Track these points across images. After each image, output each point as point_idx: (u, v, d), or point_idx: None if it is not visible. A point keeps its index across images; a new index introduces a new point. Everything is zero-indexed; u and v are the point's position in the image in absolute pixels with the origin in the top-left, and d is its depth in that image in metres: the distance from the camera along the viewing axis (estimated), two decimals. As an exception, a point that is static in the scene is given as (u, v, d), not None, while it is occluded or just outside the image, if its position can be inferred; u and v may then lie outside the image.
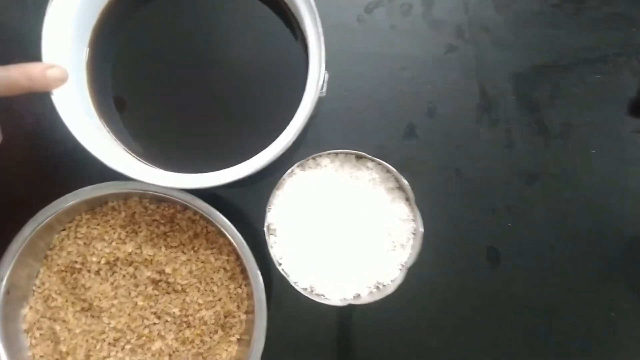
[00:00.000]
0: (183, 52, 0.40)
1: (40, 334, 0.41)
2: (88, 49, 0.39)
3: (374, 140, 0.48)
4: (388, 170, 0.41)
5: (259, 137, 0.38)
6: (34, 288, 0.41)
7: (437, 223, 0.46)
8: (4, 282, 0.38)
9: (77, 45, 0.38)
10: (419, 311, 0.47)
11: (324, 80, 0.37)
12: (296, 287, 0.39)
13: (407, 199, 0.42)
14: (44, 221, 0.38)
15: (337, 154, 0.41)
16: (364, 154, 0.41)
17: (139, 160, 0.39)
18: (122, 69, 0.40)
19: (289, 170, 0.40)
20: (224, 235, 0.40)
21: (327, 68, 0.36)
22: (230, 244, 0.40)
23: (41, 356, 0.41)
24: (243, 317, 0.42)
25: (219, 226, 0.39)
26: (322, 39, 0.36)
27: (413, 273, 0.40)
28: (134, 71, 0.41)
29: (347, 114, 0.48)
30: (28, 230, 0.38)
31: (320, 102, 0.37)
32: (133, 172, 0.36)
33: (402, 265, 0.41)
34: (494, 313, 0.47)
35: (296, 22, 0.39)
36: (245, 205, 0.46)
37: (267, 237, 0.40)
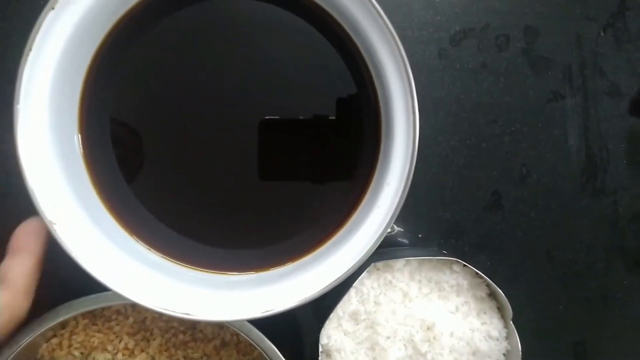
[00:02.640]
0: (203, 112, 0.29)
1: None
2: (79, 136, 0.27)
3: (446, 213, 0.37)
4: (477, 275, 0.32)
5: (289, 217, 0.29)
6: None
7: (520, 314, 0.37)
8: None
9: (64, 132, 0.26)
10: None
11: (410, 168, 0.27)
12: None
13: (499, 309, 0.33)
14: (25, 342, 0.29)
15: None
16: (450, 258, 0.31)
17: (155, 254, 0.29)
18: (130, 144, 0.28)
19: (359, 279, 0.30)
20: (260, 346, 0.31)
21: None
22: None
23: None
24: None
25: (254, 344, 0.30)
26: (414, 103, 0.26)
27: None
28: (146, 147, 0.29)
29: (414, 177, 0.37)
30: None
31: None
32: (150, 299, 0.26)
33: (487, 393, 0.32)
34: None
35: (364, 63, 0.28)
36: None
37: (320, 362, 0.31)
